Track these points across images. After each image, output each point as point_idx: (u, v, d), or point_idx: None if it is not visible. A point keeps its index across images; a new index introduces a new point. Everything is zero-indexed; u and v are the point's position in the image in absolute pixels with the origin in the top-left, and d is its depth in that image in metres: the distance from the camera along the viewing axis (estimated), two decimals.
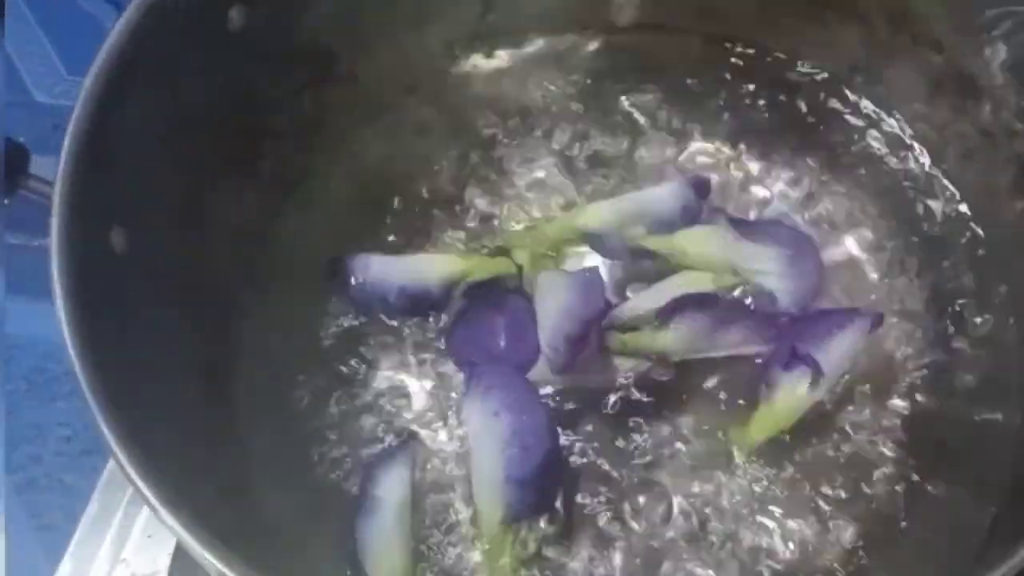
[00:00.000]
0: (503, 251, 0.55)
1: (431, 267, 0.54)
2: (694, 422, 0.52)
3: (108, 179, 0.44)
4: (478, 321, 0.52)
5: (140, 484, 0.39)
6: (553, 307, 0.50)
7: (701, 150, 0.60)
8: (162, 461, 0.40)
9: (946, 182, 0.58)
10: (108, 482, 0.58)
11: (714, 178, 0.58)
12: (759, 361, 0.52)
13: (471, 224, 0.58)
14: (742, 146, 0.60)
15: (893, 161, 0.59)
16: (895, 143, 0.60)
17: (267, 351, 0.55)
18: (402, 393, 0.54)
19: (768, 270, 0.53)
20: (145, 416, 0.42)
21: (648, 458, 0.52)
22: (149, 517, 0.54)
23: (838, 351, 0.50)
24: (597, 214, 0.55)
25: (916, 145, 0.59)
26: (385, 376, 0.54)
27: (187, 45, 0.48)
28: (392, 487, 0.50)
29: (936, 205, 0.58)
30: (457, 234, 0.58)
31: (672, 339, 0.51)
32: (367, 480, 0.50)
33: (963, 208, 0.58)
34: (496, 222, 0.58)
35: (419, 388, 0.54)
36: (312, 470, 0.52)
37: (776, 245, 0.53)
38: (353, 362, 0.55)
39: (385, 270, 0.54)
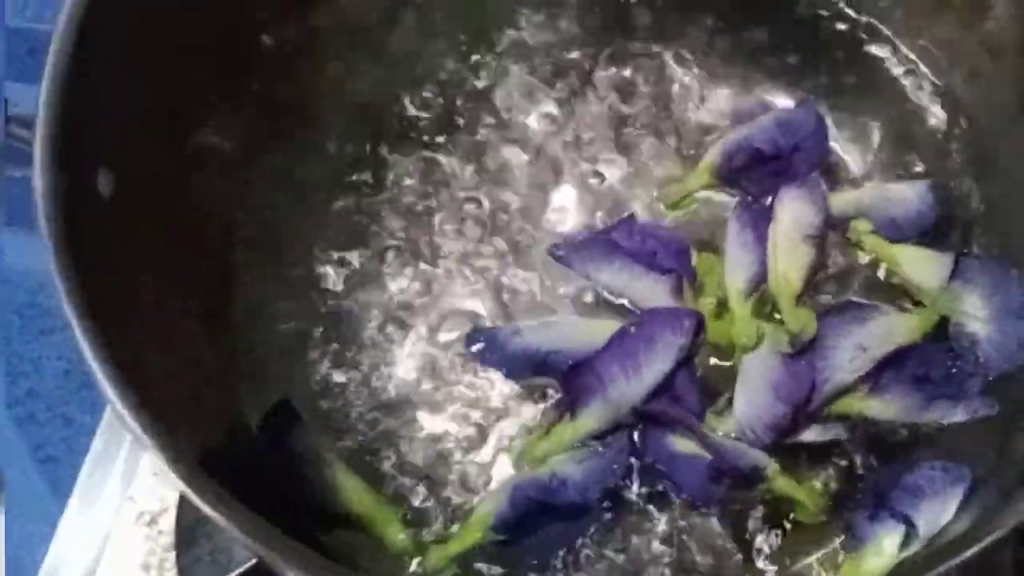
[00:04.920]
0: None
1: (591, 331, 0.51)
2: None
3: (91, 118, 0.43)
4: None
5: (137, 430, 0.38)
6: (760, 387, 0.49)
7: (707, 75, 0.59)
8: (160, 404, 0.39)
9: (952, 100, 0.57)
10: (111, 420, 0.58)
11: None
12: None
13: (463, 148, 0.58)
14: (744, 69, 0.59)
15: (898, 79, 0.58)
16: (901, 61, 0.59)
17: (265, 278, 0.54)
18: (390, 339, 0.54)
19: (976, 315, 0.51)
20: (142, 357, 0.41)
21: None
22: None
23: (933, 510, 0.47)
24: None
25: (921, 64, 0.58)
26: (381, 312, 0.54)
27: None
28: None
29: (941, 123, 0.57)
30: (450, 158, 0.57)
31: (879, 408, 0.50)
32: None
33: (967, 126, 0.57)
34: (489, 152, 0.57)
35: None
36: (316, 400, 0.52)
37: (991, 291, 0.51)
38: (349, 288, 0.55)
39: (540, 337, 0.51)
